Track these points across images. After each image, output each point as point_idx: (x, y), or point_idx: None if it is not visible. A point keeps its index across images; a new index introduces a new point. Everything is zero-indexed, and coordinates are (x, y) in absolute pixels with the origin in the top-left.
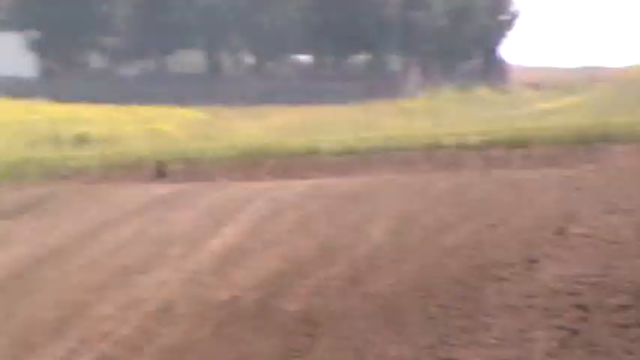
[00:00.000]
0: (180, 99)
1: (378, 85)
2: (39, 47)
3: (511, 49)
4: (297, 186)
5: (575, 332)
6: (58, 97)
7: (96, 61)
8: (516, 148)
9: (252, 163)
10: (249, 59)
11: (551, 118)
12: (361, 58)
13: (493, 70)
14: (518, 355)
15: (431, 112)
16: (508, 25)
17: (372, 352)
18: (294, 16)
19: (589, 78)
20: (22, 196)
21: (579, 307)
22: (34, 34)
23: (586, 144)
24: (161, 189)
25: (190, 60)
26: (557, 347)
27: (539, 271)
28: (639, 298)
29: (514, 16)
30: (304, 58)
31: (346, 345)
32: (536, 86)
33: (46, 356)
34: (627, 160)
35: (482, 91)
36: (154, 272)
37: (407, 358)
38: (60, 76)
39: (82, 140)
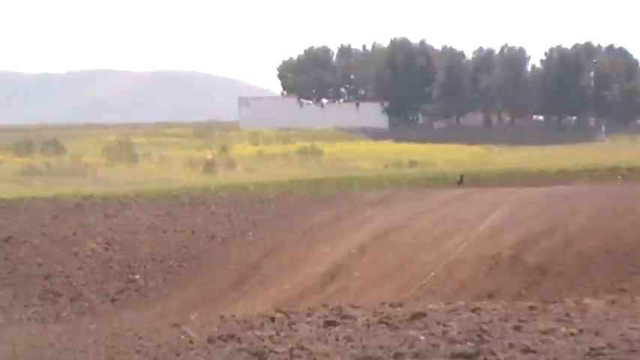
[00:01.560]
0: (468, 140)
1: (581, 135)
2: (388, 111)
3: None
4: (536, 190)
5: None
6: (399, 139)
7: (421, 119)
8: None
9: (509, 177)
10: (506, 118)
11: None
12: (571, 118)
13: None
14: None
15: (612, 150)
16: None
17: (577, 285)
18: (534, 95)
19: None
20: (380, 194)
21: None
22: (386, 103)
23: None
24: (458, 191)
25: (474, 118)
26: None
27: None
28: None
29: None
30: (538, 117)
31: (562, 283)
32: None
33: (411, 268)
34: None
35: None
36: (453, 239)
37: (594, 291)
38: (400, 127)
39: (413, 164)
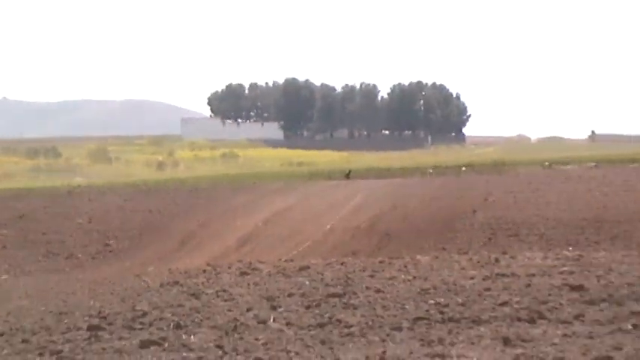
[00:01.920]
0: (338, 148)
1: (414, 144)
2: (283, 127)
3: (467, 128)
4: (384, 181)
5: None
6: (291, 147)
7: (306, 133)
8: (466, 166)
9: (366, 173)
10: (364, 132)
11: (480, 155)
12: (408, 132)
13: (459, 137)
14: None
15: (435, 154)
16: (466, 120)
17: (412, 246)
18: (383, 116)
19: (497, 141)
20: (278, 185)
21: (492, 227)
22: (282, 122)
23: (494, 166)
24: (331, 182)
25: (342, 133)
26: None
27: (478, 215)
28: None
29: (468, 117)
30: (386, 132)
31: (403, 242)
32: (476, 144)
33: (299, 235)
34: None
35: (455, 146)
36: (328, 215)
37: (423, 250)
38: (292, 139)
39: (300, 164)
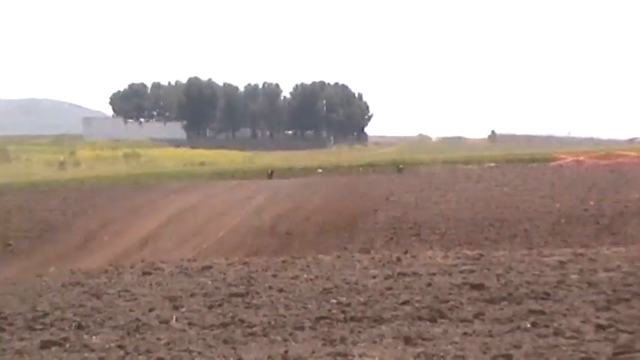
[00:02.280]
0: (241, 148)
1: (316, 144)
2: (186, 127)
3: (369, 128)
4: (287, 181)
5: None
6: (194, 147)
7: (208, 132)
8: (370, 166)
9: (280, 172)
10: (267, 132)
11: (382, 156)
12: (310, 132)
13: (361, 137)
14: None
15: (338, 153)
16: (368, 120)
17: (315, 245)
18: (285, 116)
19: (399, 141)
20: (180, 185)
21: (394, 227)
22: (184, 122)
23: (394, 165)
24: (233, 182)
25: (245, 132)
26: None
27: (380, 215)
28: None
29: (370, 116)
30: (288, 132)
31: (306, 242)
32: (378, 144)
33: (202, 235)
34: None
35: (357, 146)
36: (230, 215)
37: (326, 249)
38: (194, 139)
39: (202, 164)
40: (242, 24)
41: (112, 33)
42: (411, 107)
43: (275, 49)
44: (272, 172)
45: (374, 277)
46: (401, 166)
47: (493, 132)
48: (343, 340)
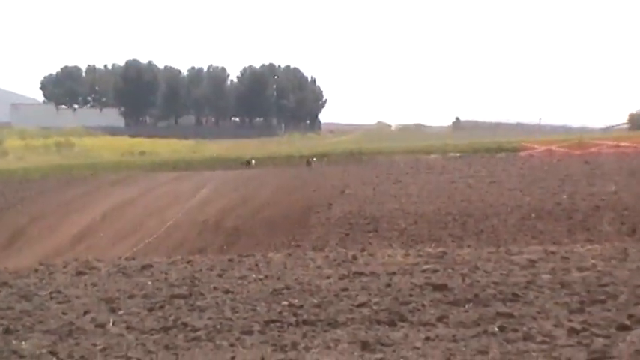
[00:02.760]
0: (184, 136)
1: (266, 132)
2: (124, 114)
3: (323, 115)
4: (232, 172)
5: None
6: (133, 135)
7: (148, 120)
8: (323, 156)
9: (213, 163)
10: (212, 119)
11: (336, 145)
12: (259, 120)
13: (314, 125)
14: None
15: (288, 143)
16: (322, 105)
17: (264, 242)
18: (232, 102)
19: (356, 129)
20: (118, 176)
21: (350, 222)
22: (122, 108)
23: (351, 156)
24: (175, 174)
25: (188, 119)
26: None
27: (335, 209)
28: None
29: (324, 102)
30: (236, 119)
31: (254, 238)
32: (333, 132)
33: (141, 231)
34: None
35: (310, 134)
36: (172, 209)
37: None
38: (133, 127)
39: (142, 154)
40: (184, 2)
41: (42, 10)
42: (369, 93)
43: (221, 29)
44: (250, 161)
45: (328, 277)
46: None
47: (457, 119)
48: (295, 345)
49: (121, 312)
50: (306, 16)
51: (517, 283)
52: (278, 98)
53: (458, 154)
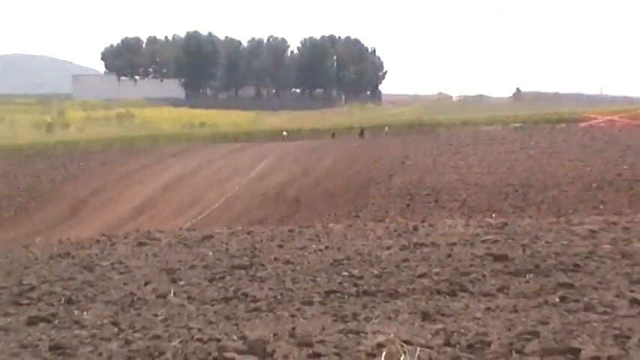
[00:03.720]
0: (244, 107)
1: (327, 104)
2: (185, 85)
3: (383, 86)
4: (294, 144)
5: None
6: (193, 107)
7: (209, 91)
8: (384, 126)
9: (274, 134)
10: (272, 90)
11: (398, 116)
12: (320, 91)
13: (375, 96)
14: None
15: (349, 114)
16: (383, 77)
17: (324, 214)
18: (292, 73)
19: (415, 99)
20: (178, 148)
21: (410, 193)
22: (183, 79)
23: (411, 127)
24: (236, 145)
25: (248, 91)
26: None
27: (395, 180)
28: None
29: (385, 73)
30: (296, 90)
31: (315, 210)
32: (393, 103)
33: (202, 202)
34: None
35: (370, 105)
36: (232, 181)
37: (336, 218)
38: (193, 98)
39: (202, 125)
40: None
41: None
42: (429, 64)
43: (281, 0)
44: (363, 131)
45: (388, 247)
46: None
47: (518, 90)
48: (355, 316)
49: (181, 283)
50: None
51: (578, 254)
52: (338, 69)
53: (518, 125)
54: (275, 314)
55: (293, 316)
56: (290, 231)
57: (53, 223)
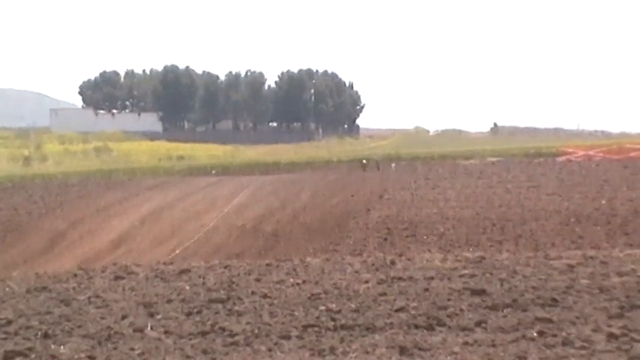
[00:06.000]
0: (222, 141)
1: (304, 137)
2: (162, 118)
3: (361, 120)
4: (271, 177)
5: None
6: (171, 140)
7: (187, 124)
8: (358, 160)
9: (251, 168)
10: (250, 124)
11: (376, 149)
12: (297, 124)
13: (352, 129)
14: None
15: (326, 147)
16: (360, 110)
17: (302, 247)
18: (270, 107)
19: (392, 133)
20: (156, 181)
21: (388, 227)
22: (160, 113)
23: (389, 160)
24: (213, 178)
25: (226, 124)
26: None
27: (373, 214)
28: (413, 225)
29: (362, 107)
30: (273, 124)
31: (292, 243)
32: (371, 137)
33: (179, 235)
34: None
35: (348, 138)
36: (210, 213)
37: (314, 252)
38: (171, 131)
39: (180, 158)
40: (223, 7)
41: (81, 16)
42: (407, 98)
43: (259, 34)
44: (367, 163)
45: (366, 281)
46: (364, 161)
47: (495, 124)
48: (333, 350)
49: (159, 316)
50: (343, 21)
51: (556, 288)
52: (316, 103)
53: (496, 159)
54: (252, 348)
55: (270, 350)
56: (267, 265)
57: (30, 256)
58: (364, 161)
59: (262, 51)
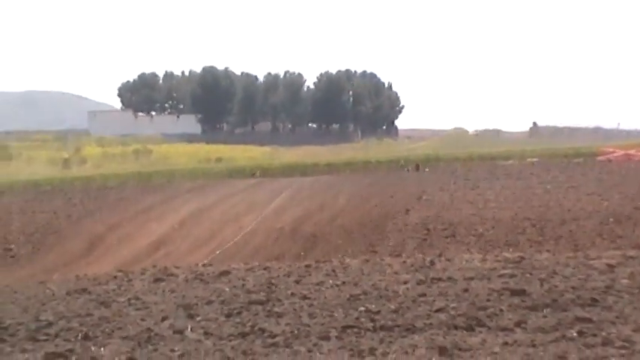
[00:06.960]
0: (260, 142)
1: (342, 138)
2: (201, 120)
3: (399, 121)
4: (310, 179)
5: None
6: (209, 142)
7: (225, 126)
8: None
9: (290, 170)
10: (288, 125)
11: (415, 150)
12: (336, 126)
13: (391, 130)
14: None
15: (365, 149)
16: (399, 111)
17: (341, 249)
18: (309, 108)
19: (433, 135)
20: (195, 184)
21: (427, 228)
22: (199, 115)
23: (428, 161)
24: (252, 181)
25: (265, 126)
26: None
27: (412, 215)
28: (456, 224)
29: (401, 108)
30: (312, 125)
31: (331, 245)
32: (410, 138)
33: (218, 238)
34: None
35: (386, 140)
36: (249, 216)
37: (353, 253)
38: (210, 133)
39: (219, 160)
40: (262, 9)
41: (120, 19)
42: (446, 99)
43: (297, 35)
44: (417, 167)
45: (405, 282)
46: (402, 162)
47: (535, 124)
48: (372, 351)
49: (198, 318)
50: (381, 21)
51: (596, 288)
52: (354, 104)
53: (535, 159)
54: (292, 349)
55: (310, 351)
56: (307, 266)
57: (70, 260)
58: (402, 163)
59: (301, 52)
